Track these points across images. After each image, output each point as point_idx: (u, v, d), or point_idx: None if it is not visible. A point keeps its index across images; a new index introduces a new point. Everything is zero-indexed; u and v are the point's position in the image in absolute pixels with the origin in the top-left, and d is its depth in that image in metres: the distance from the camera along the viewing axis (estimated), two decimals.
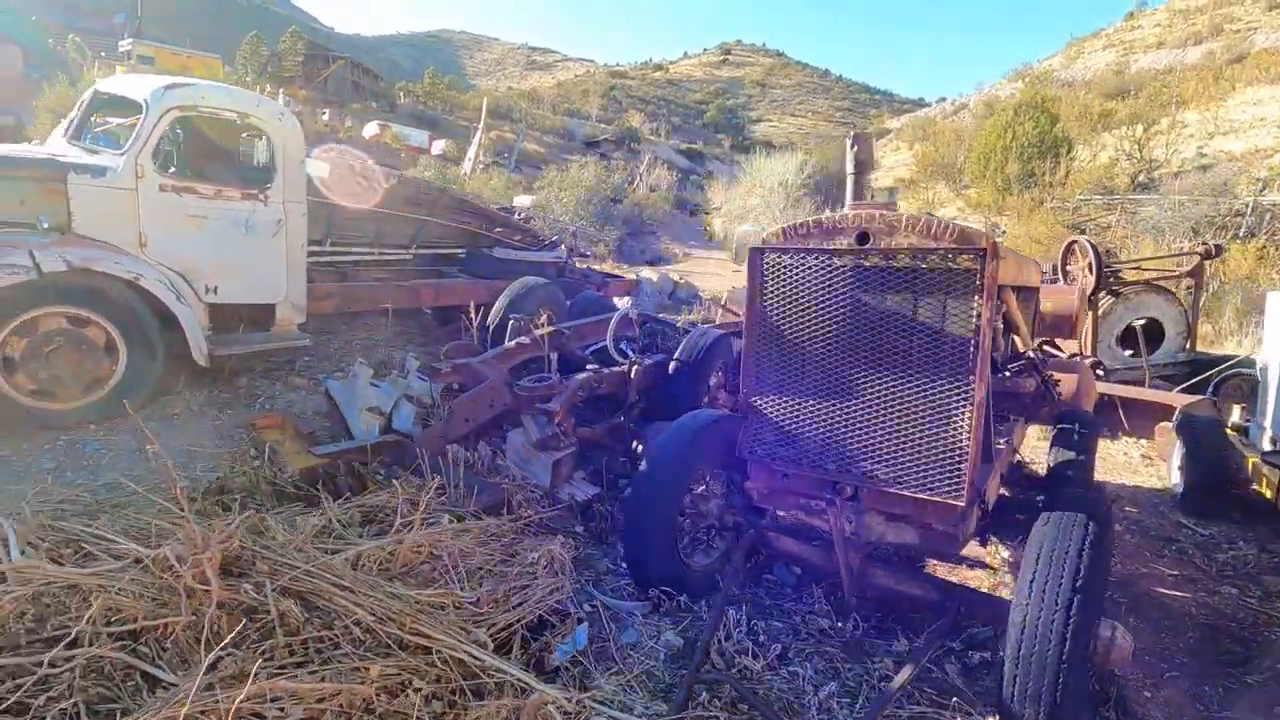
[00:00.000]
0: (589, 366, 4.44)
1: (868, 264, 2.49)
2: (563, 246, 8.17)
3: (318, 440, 4.04)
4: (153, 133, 4.23)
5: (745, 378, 2.83)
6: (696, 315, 10.26)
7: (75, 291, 3.87)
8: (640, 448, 4.22)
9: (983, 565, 3.62)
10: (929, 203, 28.66)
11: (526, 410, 4.00)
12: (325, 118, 34.78)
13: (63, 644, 1.98)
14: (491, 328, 5.31)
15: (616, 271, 11.57)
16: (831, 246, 2.56)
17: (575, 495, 3.90)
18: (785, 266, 2.67)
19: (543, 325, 4.73)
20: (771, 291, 2.72)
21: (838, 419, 2.60)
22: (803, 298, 2.64)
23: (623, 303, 7.29)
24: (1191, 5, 56.57)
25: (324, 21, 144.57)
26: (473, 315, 5.06)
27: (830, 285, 2.57)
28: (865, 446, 2.55)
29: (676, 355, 4.83)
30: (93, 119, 4.74)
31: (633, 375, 4.51)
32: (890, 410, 2.47)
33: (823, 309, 2.59)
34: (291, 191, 4.84)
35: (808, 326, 2.64)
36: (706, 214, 38.04)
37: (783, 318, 2.69)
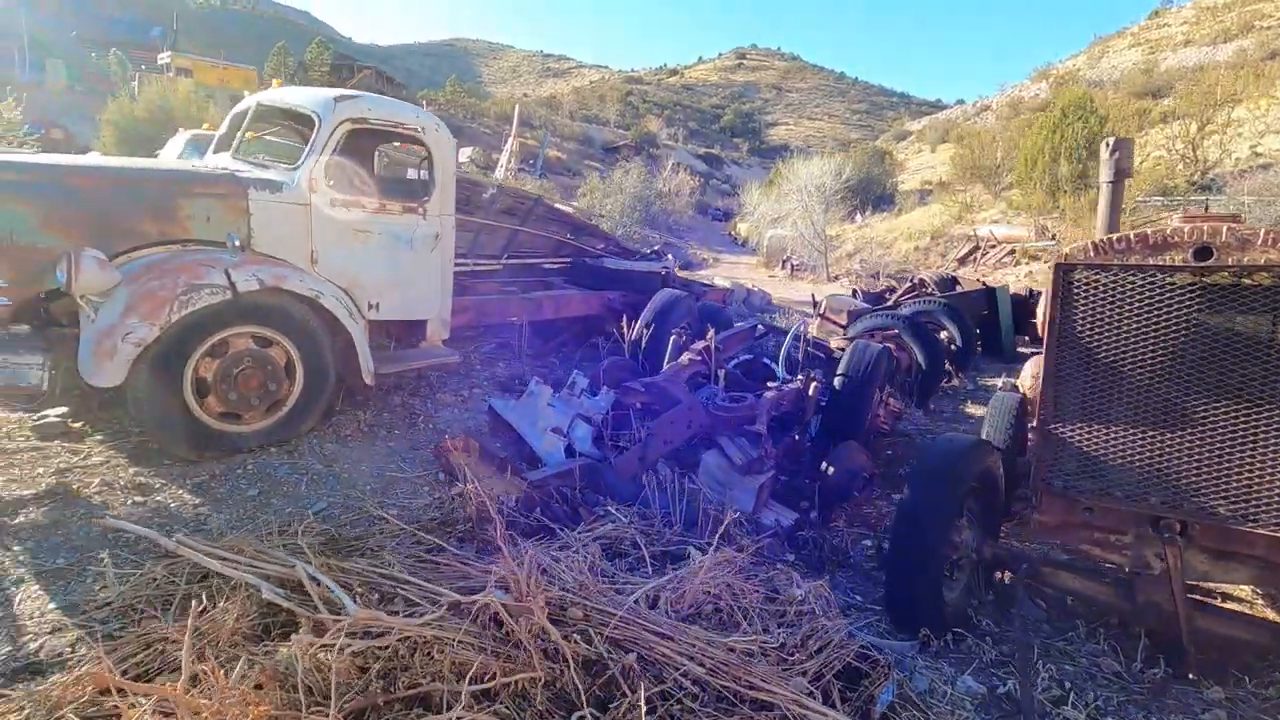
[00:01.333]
0: (770, 384, 4.27)
1: (1213, 282, 2.30)
2: (669, 256, 8.02)
3: (508, 463, 3.88)
4: (327, 146, 4.12)
5: (1044, 403, 2.64)
6: (781, 322, 10.07)
7: (262, 311, 3.75)
8: (830, 468, 4.04)
9: None
10: (968, 205, 28.28)
11: (723, 431, 3.83)
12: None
13: (422, 704, 1.83)
14: (643, 342, 5.16)
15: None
16: (1161, 263, 2.38)
17: (781, 521, 3.72)
18: (1099, 285, 2.49)
19: (710, 340, 4.56)
20: (1081, 311, 2.53)
21: (1167, 450, 2.41)
22: (1123, 319, 2.45)
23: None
24: (1219, 2, 55.78)
25: (341, 32, 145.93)
26: (625, 329, 4.92)
27: (1161, 306, 2.38)
28: (1204, 480, 2.36)
29: (843, 370, 4.65)
30: (248, 133, 4.65)
31: (811, 392, 4.33)
32: (1244, 442, 2.28)
33: (1150, 331, 2.40)
34: (446, 205, 4.73)
35: (1129, 350, 2.45)
36: (732, 218, 37.90)
37: (1096, 340, 2.51)
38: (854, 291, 10.59)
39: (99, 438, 3.92)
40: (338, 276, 4.21)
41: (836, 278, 23.81)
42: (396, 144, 5.62)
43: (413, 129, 4.49)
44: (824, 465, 4.07)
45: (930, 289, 9.51)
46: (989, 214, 26.30)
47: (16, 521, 3.01)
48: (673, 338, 4.72)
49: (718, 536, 3.12)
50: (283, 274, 3.79)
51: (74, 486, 3.31)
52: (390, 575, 2.34)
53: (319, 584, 2.15)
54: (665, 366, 4.68)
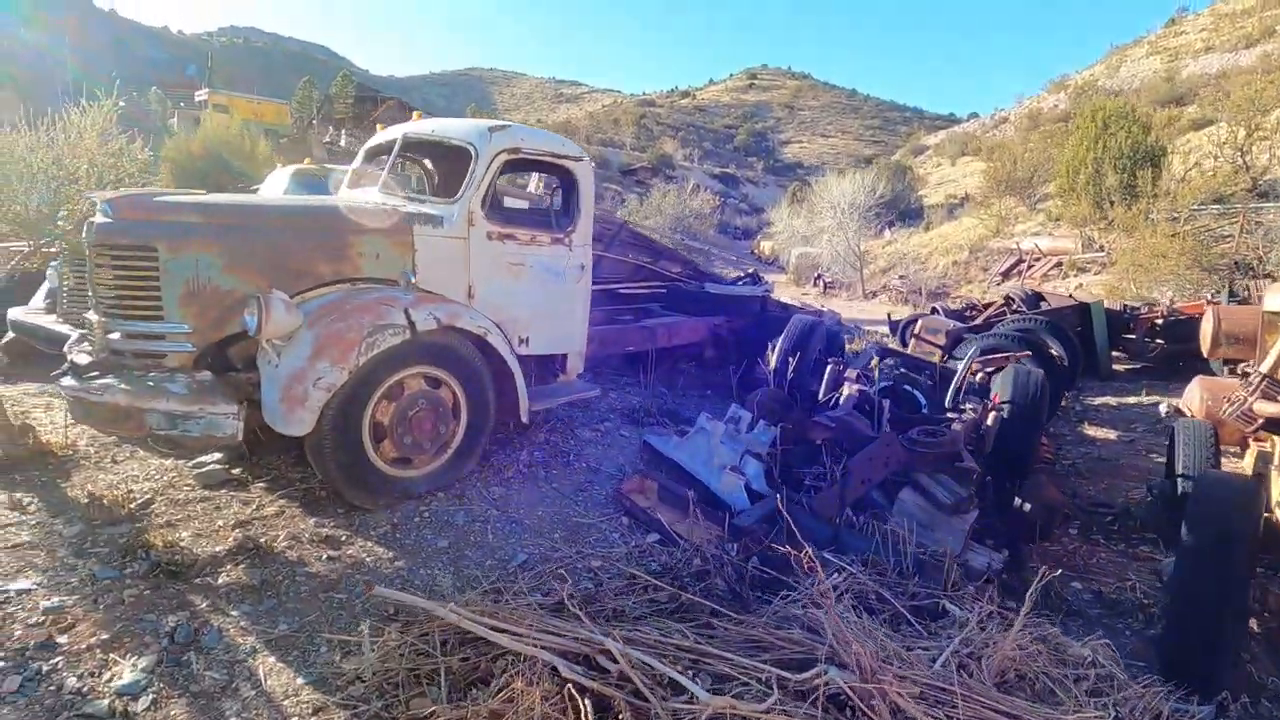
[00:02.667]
0: (950, 414, 4.05)
1: None
2: (767, 280, 7.85)
3: (691, 504, 3.66)
4: (485, 178, 3.99)
5: None
6: (859, 344, 9.83)
7: (435, 350, 3.59)
8: (1026, 505, 3.79)
9: None
10: (1003, 218, 27.96)
11: (921, 468, 3.61)
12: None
13: None
14: (788, 371, 4.95)
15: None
16: None
17: (991, 564, 3.48)
18: None
19: (874, 368, 4.35)
20: None
21: None
22: None
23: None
24: (1237, 8, 55.53)
25: (359, 64, 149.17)
26: (771, 359, 4.72)
27: None
28: None
29: (1008, 398, 4.42)
30: (400, 166, 4.54)
31: (990, 422, 4.10)
32: None
33: None
34: (588, 235, 4.58)
35: None
36: (754, 237, 37.75)
37: None
38: (933, 310, 10.32)
39: (262, 485, 3.76)
40: (493, 311, 4.05)
41: (874, 294, 23.55)
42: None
43: (561, 158, 4.36)
44: (1018, 501, 3.82)
45: (1018, 306, 9.25)
46: (1026, 226, 25.97)
47: (221, 582, 2.84)
48: (830, 367, 4.52)
49: (986, 592, 2.89)
50: (456, 311, 3.64)
51: (262, 540, 3.14)
52: (692, 647, 2.13)
53: (629, 660, 1.94)
54: (822, 396, 4.47)
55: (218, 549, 3.05)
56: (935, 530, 3.51)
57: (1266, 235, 16.04)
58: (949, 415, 4.32)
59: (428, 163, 4.95)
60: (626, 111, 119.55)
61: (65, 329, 4.90)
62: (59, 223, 5.33)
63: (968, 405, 4.53)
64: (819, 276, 25.57)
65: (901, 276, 25.43)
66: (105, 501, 3.36)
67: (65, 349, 3.71)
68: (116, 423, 3.06)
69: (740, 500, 3.66)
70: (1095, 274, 20.25)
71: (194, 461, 3.97)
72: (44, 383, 5.39)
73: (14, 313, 5.40)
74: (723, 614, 2.46)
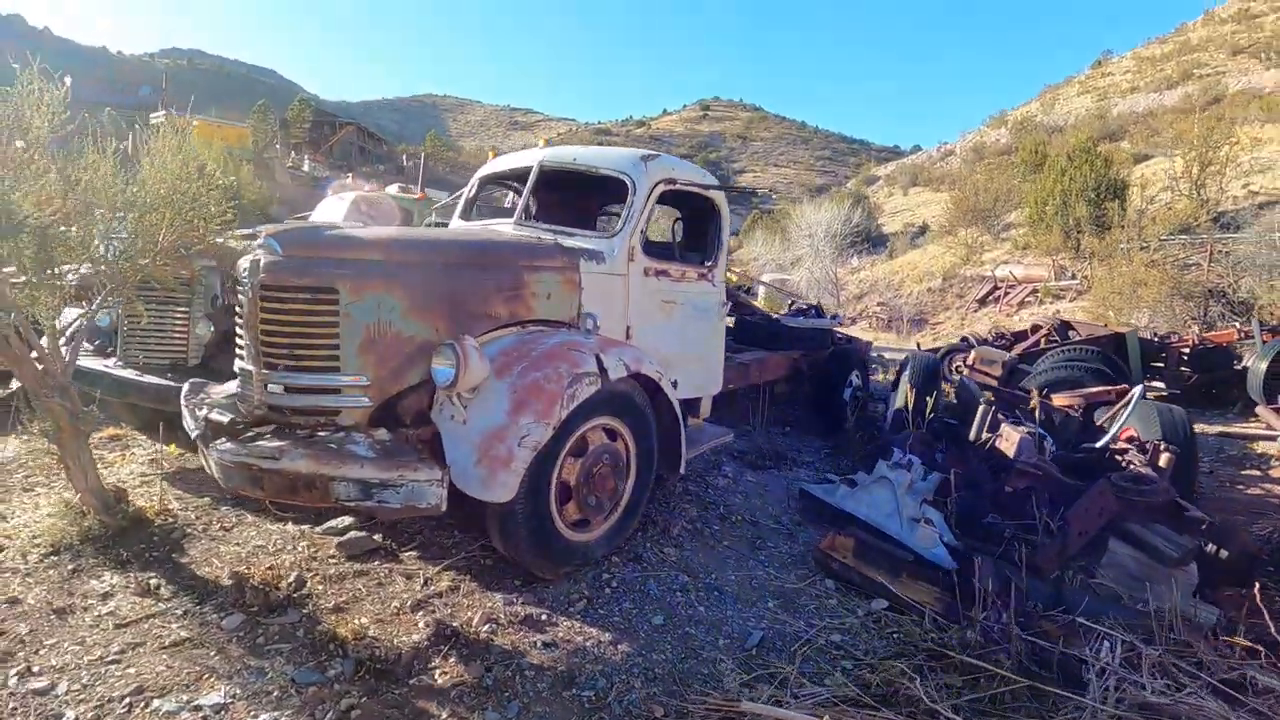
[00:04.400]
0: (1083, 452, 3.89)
1: None
2: (837, 312, 7.69)
3: (898, 563, 3.39)
4: (644, 210, 3.70)
5: None
6: (886, 375, 9.77)
7: (617, 399, 3.25)
8: (1222, 551, 3.65)
9: None
10: (970, 246, 28.78)
11: (1131, 517, 3.42)
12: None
13: None
14: (909, 408, 4.74)
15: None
16: None
17: (1207, 619, 3.29)
18: None
19: (1034, 407, 4.18)
20: None
21: None
22: None
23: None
24: (1157, 53, 59.66)
25: (308, 89, 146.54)
26: (909, 402, 4.51)
27: None
28: None
29: (1161, 437, 4.31)
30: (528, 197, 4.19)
31: (1164, 463, 3.97)
32: None
33: None
34: (724, 271, 4.32)
35: None
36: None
37: None
38: (963, 339, 10.37)
39: (412, 553, 3.33)
40: (648, 353, 3.73)
41: (853, 320, 23.86)
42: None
43: (707, 188, 4.10)
44: (1212, 547, 3.67)
45: (1049, 334, 9.34)
46: (994, 255, 26.83)
47: (443, 682, 2.41)
48: (982, 406, 4.33)
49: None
50: (639, 356, 3.31)
51: (456, 625, 2.72)
52: None
53: None
54: (974, 437, 4.28)
55: (414, 638, 2.63)
56: (1153, 584, 3.32)
57: (1237, 265, 16.86)
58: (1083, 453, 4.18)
59: (553, 193, 4.62)
60: (583, 140, 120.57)
61: (130, 374, 4.36)
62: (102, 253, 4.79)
63: (1095, 444, 4.41)
64: (793, 304, 25.78)
65: (880, 303, 25.90)
66: (255, 582, 2.89)
67: (186, 404, 3.23)
68: (294, 493, 2.62)
69: (941, 556, 3.41)
70: (1070, 300, 20.88)
71: (324, 527, 3.51)
72: (116, 436, 4.81)
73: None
74: (1049, 694, 2.19)
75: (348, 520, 3.52)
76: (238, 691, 2.28)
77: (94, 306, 3.89)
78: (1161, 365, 9.39)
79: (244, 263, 2.90)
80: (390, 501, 2.57)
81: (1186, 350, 9.35)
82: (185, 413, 3.23)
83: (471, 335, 3.01)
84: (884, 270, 31.11)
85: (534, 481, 2.88)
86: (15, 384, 5.74)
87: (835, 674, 2.52)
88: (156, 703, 2.22)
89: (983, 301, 23.70)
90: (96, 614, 2.71)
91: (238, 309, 3.00)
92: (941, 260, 28.48)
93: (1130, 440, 4.35)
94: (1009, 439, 4.01)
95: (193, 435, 3.01)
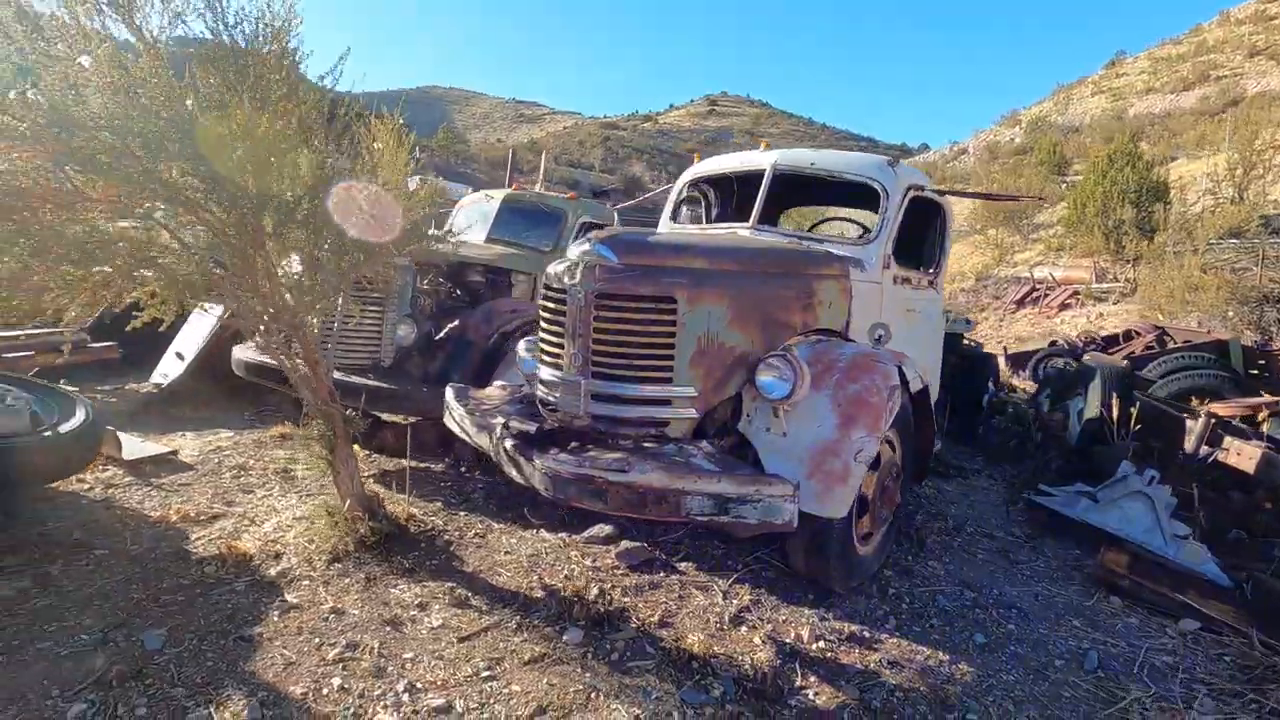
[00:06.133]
0: None
1: None
2: (969, 316, 7.64)
3: (1181, 576, 3.33)
4: (896, 218, 3.65)
5: None
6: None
7: (904, 412, 3.20)
8: None
9: None
10: (1001, 247, 28.72)
11: None
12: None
13: None
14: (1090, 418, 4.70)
15: None
16: None
17: None
18: None
19: (1265, 416, 4.14)
20: None
21: None
22: None
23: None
24: (1172, 54, 59.48)
25: (311, 79, 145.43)
26: (1105, 413, 4.47)
27: None
28: None
29: None
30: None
31: None
32: None
33: None
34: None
35: None
36: None
37: None
38: (1051, 343, 10.33)
39: (688, 562, 3.28)
40: None
41: None
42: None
43: (940, 194, 4.05)
44: None
45: (1155, 340, 9.29)
46: (1025, 256, 26.78)
47: (823, 702, 2.37)
48: (1201, 419, 4.28)
49: None
50: (923, 368, 3.26)
51: (786, 641, 2.67)
52: None
53: None
54: (1197, 451, 4.23)
55: (760, 656, 2.58)
56: None
57: None
58: None
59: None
60: (590, 133, 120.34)
61: (346, 376, 4.33)
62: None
63: None
64: None
65: None
66: (565, 594, 2.85)
67: (461, 409, 3.17)
68: (641, 506, 2.56)
69: (1215, 572, 3.36)
70: (1114, 303, 20.83)
71: (586, 535, 3.46)
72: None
73: (244, 352, 4.74)
74: None
75: (609, 528, 3.48)
76: (638, 712, 2.23)
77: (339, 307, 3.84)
78: (1258, 372, 9.35)
79: (559, 269, 2.85)
80: (747, 517, 2.52)
81: None
82: (464, 419, 3.18)
83: (776, 345, 2.97)
84: None
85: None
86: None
87: (1202, 698, 2.48)
88: None
89: (1020, 303, 23.61)
90: (428, 626, 2.66)
91: (547, 316, 2.94)
92: (970, 261, 28.42)
93: None
94: (1244, 454, 3.97)
95: (493, 443, 2.95)
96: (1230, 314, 16.02)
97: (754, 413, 2.86)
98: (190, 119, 2.57)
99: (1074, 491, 3.95)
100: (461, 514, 3.74)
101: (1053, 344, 10.23)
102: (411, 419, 4.63)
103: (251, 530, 3.42)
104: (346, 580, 2.97)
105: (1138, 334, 9.77)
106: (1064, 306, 21.84)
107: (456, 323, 4.49)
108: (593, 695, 2.30)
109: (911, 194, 3.74)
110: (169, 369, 5.99)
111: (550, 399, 2.90)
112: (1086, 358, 6.32)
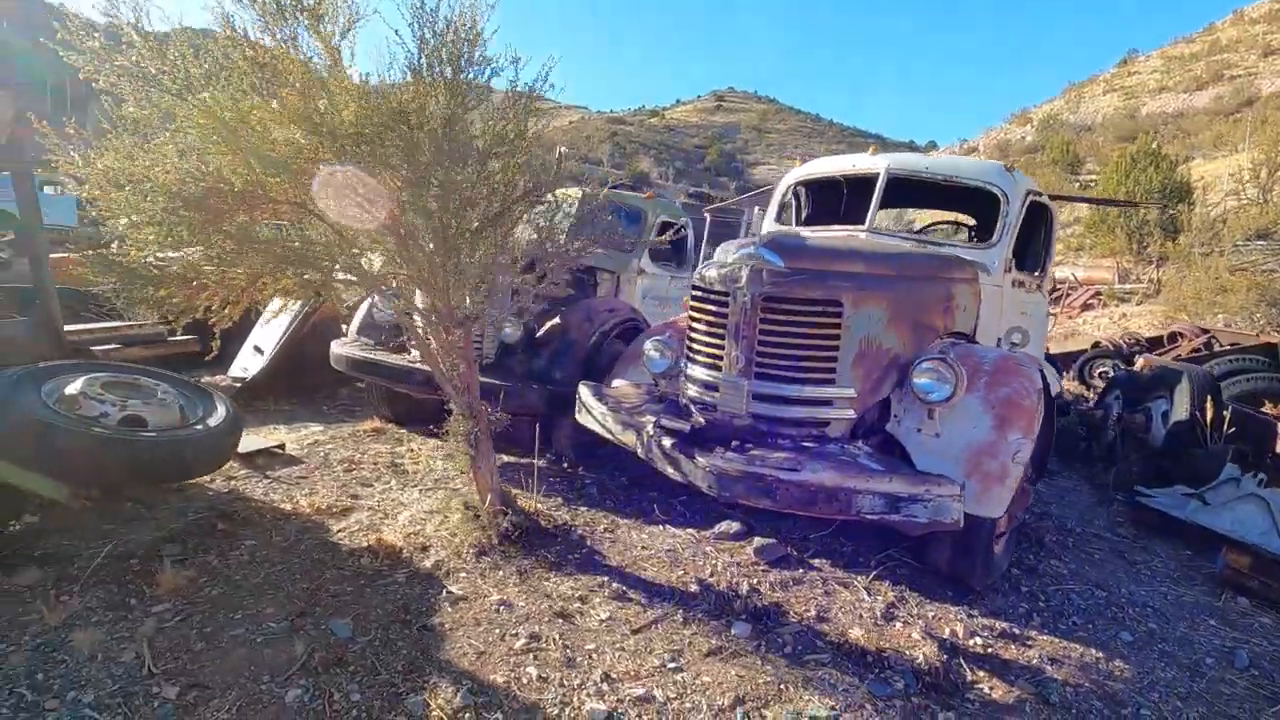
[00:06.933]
0: None
1: None
2: None
3: None
4: (1016, 223, 3.71)
5: None
6: None
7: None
8: None
9: None
10: None
11: None
12: None
13: None
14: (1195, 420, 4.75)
15: None
16: None
17: None
18: None
19: None
20: None
21: None
22: None
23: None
24: (1185, 52, 59.02)
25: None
26: (1178, 409, 4.53)
27: None
28: None
29: None
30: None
31: None
32: None
33: None
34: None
35: None
36: None
37: None
38: (1095, 344, 10.38)
39: (821, 559, 3.35)
40: None
41: None
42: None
43: (1056, 199, 4.11)
44: None
45: (1204, 343, 9.32)
46: None
47: (1000, 696, 2.44)
48: None
49: None
50: (1051, 371, 3.32)
51: (944, 637, 2.75)
52: None
53: None
54: None
55: (923, 651, 2.65)
56: None
57: None
58: None
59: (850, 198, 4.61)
60: (597, 128, 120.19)
61: (423, 365, 4.41)
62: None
63: None
64: None
65: None
66: (719, 588, 2.93)
67: (599, 405, 3.24)
68: (811, 504, 2.63)
69: None
70: (1137, 304, 20.81)
71: (715, 532, 3.53)
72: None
73: (347, 349, 4.81)
74: None
75: (736, 525, 3.55)
76: (832, 703, 2.30)
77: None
78: None
79: (716, 272, 2.91)
80: (918, 516, 2.58)
81: None
82: (606, 417, 3.25)
83: (923, 348, 3.03)
84: None
85: None
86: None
87: None
88: (766, 712, 2.25)
89: None
90: (597, 619, 2.74)
91: (702, 318, 3.00)
92: None
93: None
94: None
95: (645, 441, 3.02)
96: (1259, 316, 16.01)
97: (902, 414, 2.92)
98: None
99: (1180, 494, 4.01)
100: (582, 509, 3.81)
101: (1096, 345, 10.27)
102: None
103: (387, 524, 3.49)
104: (500, 573, 3.04)
105: (1182, 336, 9.80)
106: (1086, 307, 21.82)
107: (558, 321, 4.56)
108: (783, 687, 2.37)
109: (1030, 199, 3.80)
110: (249, 363, 6.06)
111: (706, 399, 2.97)
112: (1167, 361, 6.37)
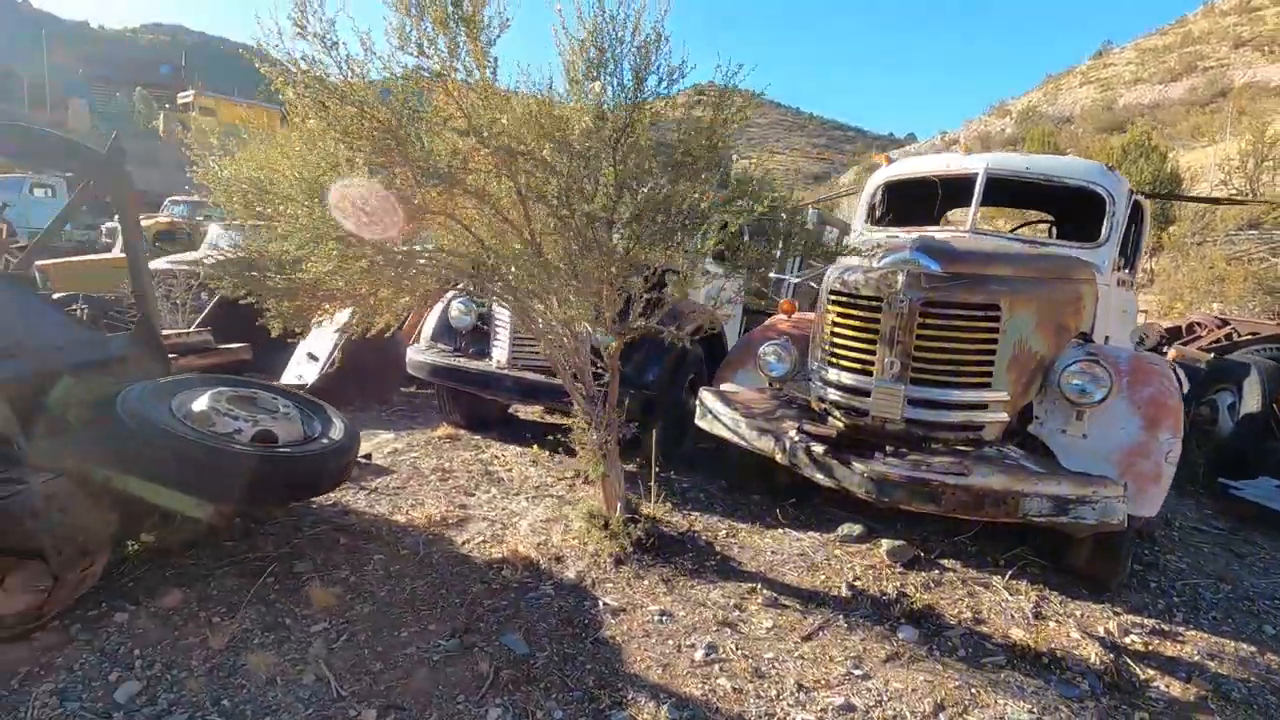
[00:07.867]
0: None
1: None
2: None
3: None
4: (1122, 222, 3.75)
5: None
6: None
7: None
8: None
9: None
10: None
11: None
12: None
13: None
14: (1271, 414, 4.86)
15: None
16: None
17: None
18: None
19: None
20: None
21: None
22: None
23: None
24: (1158, 44, 60.04)
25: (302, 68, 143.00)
26: (1249, 401, 4.63)
27: None
28: None
29: None
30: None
31: None
32: None
33: None
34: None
35: None
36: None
37: None
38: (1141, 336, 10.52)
39: (946, 560, 3.38)
40: None
41: None
42: None
43: (1150, 197, 4.15)
44: None
45: (1217, 335, 9.50)
46: None
47: (1178, 693, 2.47)
48: None
49: None
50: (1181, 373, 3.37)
51: (1102, 635, 2.78)
52: None
53: None
54: None
55: (1085, 651, 2.68)
56: None
57: None
58: None
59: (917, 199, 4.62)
60: None
61: (512, 371, 4.39)
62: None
63: None
64: None
65: None
66: (870, 592, 2.94)
67: (763, 418, 3.23)
68: (977, 508, 2.64)
69: None
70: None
71: (839, 534, 3.54)
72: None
73: (426, 355, 4.75)
74: None
75: (858, 527, 3.56)
76: (1029, 706, 2.32)
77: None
78: None
79: (864, 276, 2.91)
80: (1086, 518, 2.60)
81: None
82: (738, 424, 3.24)
83: (1061, 350, 3.05)
84: None
85: None
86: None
87: None
88: (969, 718, 2.26)
89: None
90: (762, 626, 2.73)
91: (847, 323, 3.00)
92: None
93: None
94: None
95: (788, 447, 3.01)
96: (1254, 305, 16.34)
97: (1045, 415, 2.95)
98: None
99: (1272, 485, 4.10)
100: (695, 514, 3.80)
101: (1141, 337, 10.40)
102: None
103: (510, 534, 3.46)
104: (645, 582, 3.02)
105: (1200, 325, 9.97)
106: None
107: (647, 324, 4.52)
108: (974, 691, 2.38)
109: (1135, 199, 3.84)
110: (304, 370, 5.96)
111: (854, 404, 2.97)
112: (1237, 354, 6.49)
